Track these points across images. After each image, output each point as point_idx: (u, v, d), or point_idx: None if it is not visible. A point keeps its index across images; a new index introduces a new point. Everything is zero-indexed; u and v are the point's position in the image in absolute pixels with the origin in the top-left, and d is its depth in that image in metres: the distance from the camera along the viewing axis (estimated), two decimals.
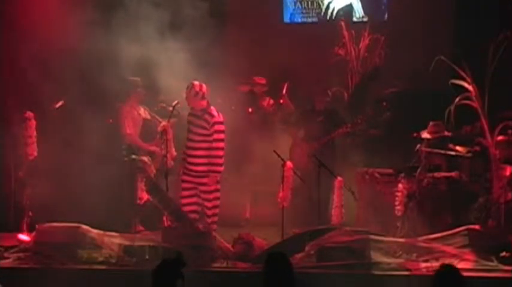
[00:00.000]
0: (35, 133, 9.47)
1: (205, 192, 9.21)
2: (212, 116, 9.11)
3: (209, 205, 9.21)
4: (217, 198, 9.26)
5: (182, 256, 5.26)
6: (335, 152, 10.28)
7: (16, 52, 9.78)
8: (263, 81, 11.06)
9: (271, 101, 11.07)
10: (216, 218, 9.27)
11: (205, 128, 9.11)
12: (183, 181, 9.27)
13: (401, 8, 12.11)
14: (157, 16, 9.75)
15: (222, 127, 9.15)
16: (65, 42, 9.61)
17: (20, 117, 9.49)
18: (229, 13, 12.01)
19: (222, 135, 9.14)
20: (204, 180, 9.14)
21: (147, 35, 9.71)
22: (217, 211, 9.27)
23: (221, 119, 9.17)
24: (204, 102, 9.16)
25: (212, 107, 9.19)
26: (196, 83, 9.15)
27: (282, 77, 11.40)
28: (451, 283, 5.42)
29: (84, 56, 9.74)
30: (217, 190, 9.24)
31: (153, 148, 9.98)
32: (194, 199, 9.26)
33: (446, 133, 9.43)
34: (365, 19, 12.59)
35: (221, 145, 9.13)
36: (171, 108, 9.47)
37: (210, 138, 9.10)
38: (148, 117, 10.17)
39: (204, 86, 9.15)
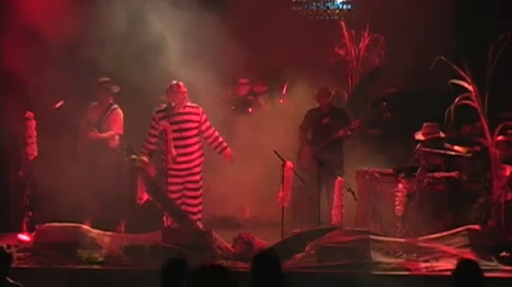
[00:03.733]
0: (35, 133, 9.47)
1: (192, 189, 9.41)
2: (198, 107, 9.38)
3: (196, 202, 9.45)
4: (201, 194, 9.53)
5: (185, 256, 5.34)
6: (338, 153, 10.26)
7: (16, 52, 9.77)
8: (246, 81, 11.15)
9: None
10: (201, 215, 9.50)
11: (196, 121, 9.34)
12: (171, 183, 9.35)
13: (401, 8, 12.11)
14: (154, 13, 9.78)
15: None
16: (64, 40, 9.62)
17: (20, 117, 9.49)
18: (228, 12, 11.99)
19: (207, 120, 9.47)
20: (196, 169, 9.39)
21: (147, 34, 9.73)
22: (201, 207, 9.52)
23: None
24: (186, 100, 9.38)
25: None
26: (179, 82, 9.29)
27: (281, 78, 11.41)
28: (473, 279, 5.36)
29: (83, 54, 9.74)
30: (201, 187, 9.52)
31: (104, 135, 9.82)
32: (182, 200, 9.45)
33: (441, 134, 9.42)
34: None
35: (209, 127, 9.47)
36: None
37: (202, 127, 9.38)
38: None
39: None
